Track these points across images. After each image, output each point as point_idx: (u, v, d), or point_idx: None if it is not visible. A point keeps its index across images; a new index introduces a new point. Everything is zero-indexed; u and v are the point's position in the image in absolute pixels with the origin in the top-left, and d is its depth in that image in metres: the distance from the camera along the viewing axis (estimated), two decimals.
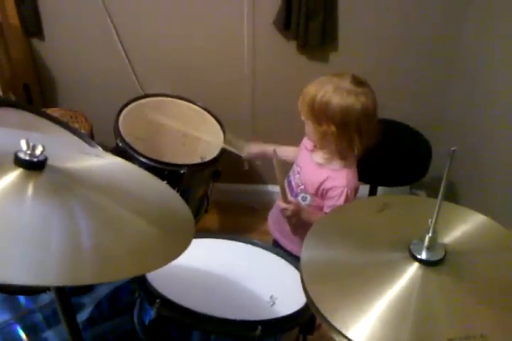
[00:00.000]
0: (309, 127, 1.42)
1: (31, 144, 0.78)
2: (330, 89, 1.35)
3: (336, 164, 1.46)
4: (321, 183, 1.46)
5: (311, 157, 1.52)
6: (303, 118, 1.43)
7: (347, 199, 1.42)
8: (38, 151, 0.78)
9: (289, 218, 1.52)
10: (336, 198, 1.43)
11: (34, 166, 0.79)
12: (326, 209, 1.47)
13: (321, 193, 1.47)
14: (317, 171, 1.48)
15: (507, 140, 1.75)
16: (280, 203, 1.48)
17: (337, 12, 1.97)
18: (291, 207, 1.46)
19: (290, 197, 1.53)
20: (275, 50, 2.10)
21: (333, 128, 1.36)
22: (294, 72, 2.09)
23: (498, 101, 1.82)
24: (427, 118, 2.23)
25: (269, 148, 1.56)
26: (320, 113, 1.37)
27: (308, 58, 2.11)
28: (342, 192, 1.42)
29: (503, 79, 1.78)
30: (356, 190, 1.46)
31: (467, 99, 2.06)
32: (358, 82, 1.37)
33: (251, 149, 1.70)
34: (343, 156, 1.45)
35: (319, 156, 1.50)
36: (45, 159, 0.80)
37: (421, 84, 2.19)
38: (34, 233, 0.72)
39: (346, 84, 1.36)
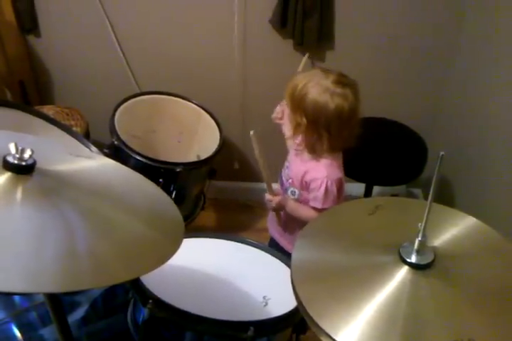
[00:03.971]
0: (288, 113, 1.43)
1: (20, 147, 0.77)
2: (311, 82, 1.36)
3: (306, 156, 1.46)
4: (303, 176, 1.46)
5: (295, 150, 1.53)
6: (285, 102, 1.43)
7: (327, 191, 1.41)
8: (26, 155, 0.78)
9: (274, 210, 1.56)
10: (316, 189, 1.43)
11: (23, 170, 0.79)
12: (312, 203, 1.46)
13: (304, 186, 1.48)
14: (299, 163, 1.49)
15: (502, 139, 1.74)
16: (266, 195, 1.50)
17: (333, 10, 1.97)
18: (276, 199, 1.48)
19: (280, 191, 1.54)
20: (271, 48, 2.10)
21: (304, 120, 1.38)
22: (289, 70, 2.08)
23: (494, 100, 1.82)
24: (423, 116, 2.23)
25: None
26: (296, 102, 1.38)
27: None
28: (321, 183, 1.42)
29: (500, 78, 1.78)
30: (339, 183, 1.44)
31: (463, 98, 2.06)
32: (341, 82, 1.35)
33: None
34: (312, 150, 1.44)
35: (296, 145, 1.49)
36: (34, 162, 0.80)
37: (417, 83, 2.18)
38: (26, 239, 0.72)
39: (327, 82, 1.35)
